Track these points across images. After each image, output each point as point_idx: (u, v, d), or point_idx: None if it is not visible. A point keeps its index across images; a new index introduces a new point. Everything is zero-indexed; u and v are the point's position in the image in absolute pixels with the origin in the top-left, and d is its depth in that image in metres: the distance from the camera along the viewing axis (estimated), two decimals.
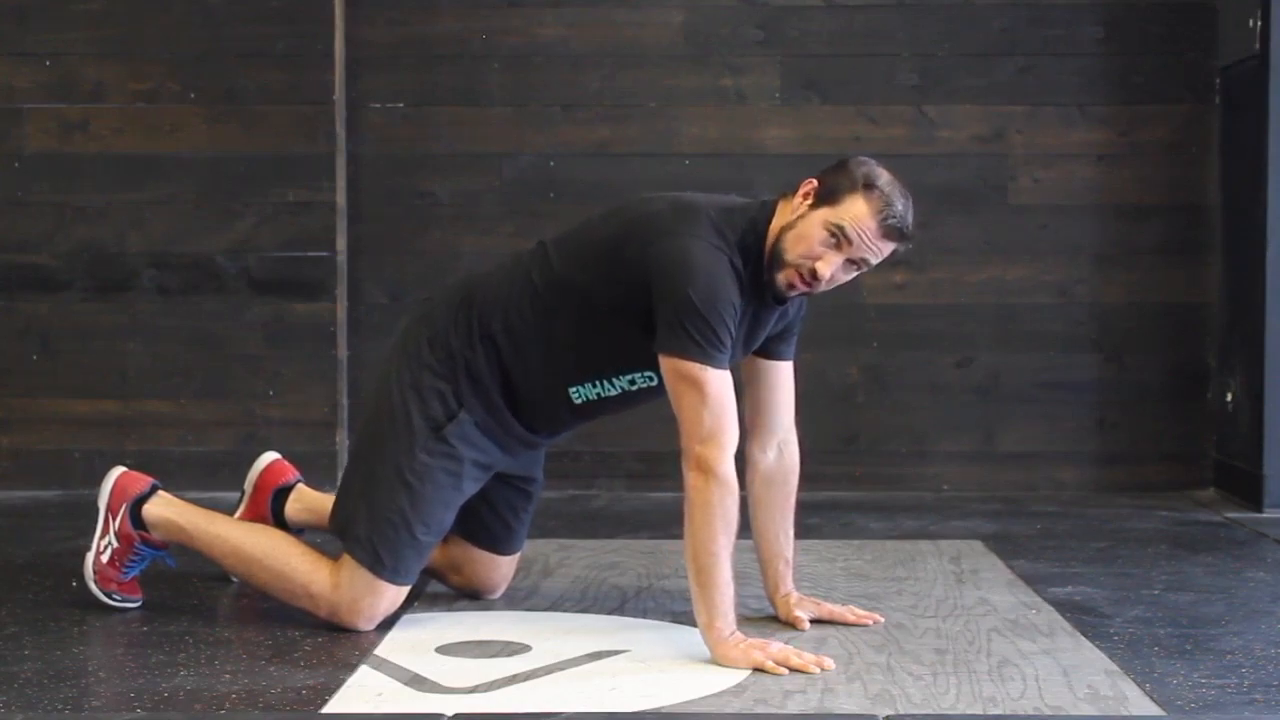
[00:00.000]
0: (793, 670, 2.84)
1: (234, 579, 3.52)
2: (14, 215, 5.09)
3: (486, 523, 3.41)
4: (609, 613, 3.38)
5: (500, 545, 3.45)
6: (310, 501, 3.63)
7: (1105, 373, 5.18)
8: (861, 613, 3.27)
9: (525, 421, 3.21)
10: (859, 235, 2.96)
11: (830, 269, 2.98)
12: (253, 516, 3.62)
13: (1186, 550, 4.13)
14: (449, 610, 3.39)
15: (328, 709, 2.64)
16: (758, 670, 2.84)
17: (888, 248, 3.01)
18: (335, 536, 3.23)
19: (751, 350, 3.19)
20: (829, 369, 5.11)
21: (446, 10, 5.17)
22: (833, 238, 2.97)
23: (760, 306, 3.08)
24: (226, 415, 5.08)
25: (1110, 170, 5.15)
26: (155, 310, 5.09)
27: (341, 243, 5.11)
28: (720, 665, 2.88)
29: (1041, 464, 5.18)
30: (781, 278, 3.00)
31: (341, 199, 5.10)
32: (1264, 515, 4.65)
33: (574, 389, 3.16)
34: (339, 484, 3.32)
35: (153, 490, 3.32)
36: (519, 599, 3.51)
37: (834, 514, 4.68)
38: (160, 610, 3.34)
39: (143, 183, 5.09)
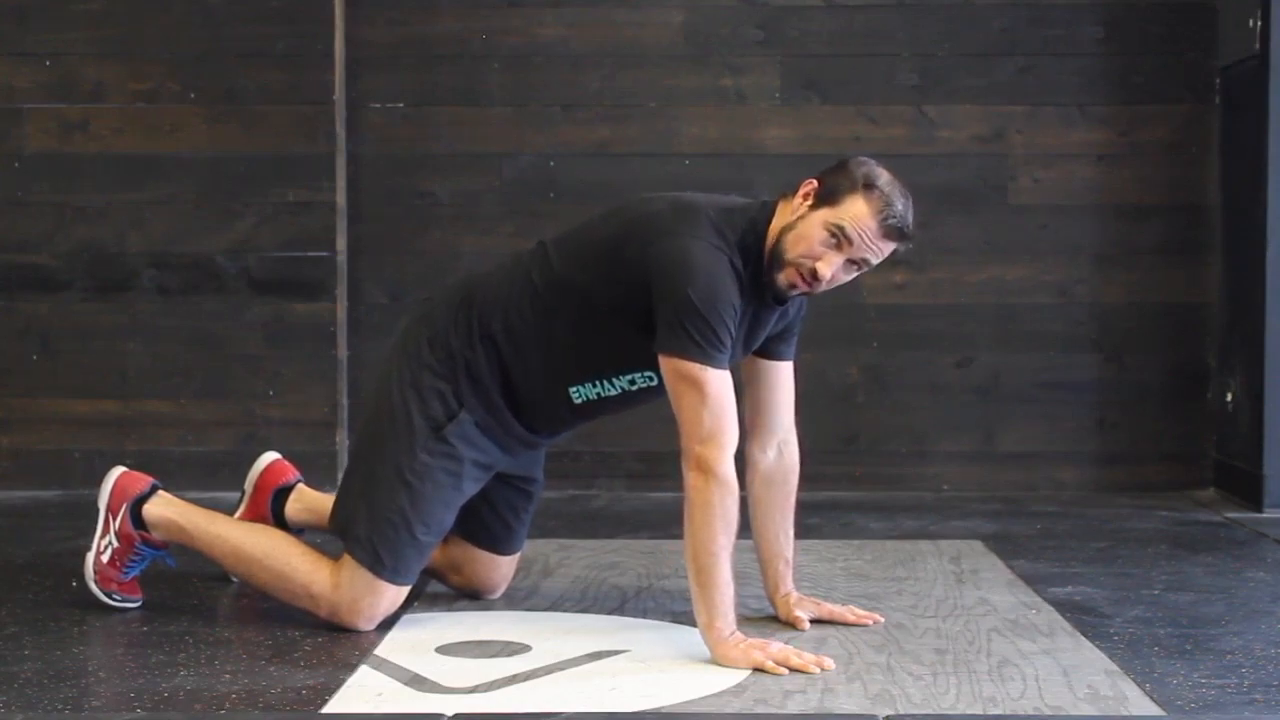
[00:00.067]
0: (793, 670, 2.84)
1: (234, 579, 3.52)
2: (14, 215, 5.09)
3: (487, 523, 3.41)
4: (609, 613, 3.38)
5: (500, 545, 3.45)
6: (310, 501, 3.63)
7: (1105, 373, 5.18)
8: (861, 613, 3.27)
9: (525, 421, 3.21)
10: (859, 235, 2.96)
11: (831, 269, 2.99)
12: (253, 516, 3.62)
13: (1186, 550, 4.13)
14: (449, 610, 3.39)
15: (328, 709, 2.64)
16: (758, 670, 2.84)
17: (888, 247, 3.01)
18: (335, 536, 3.23)
19: (751, 350, 3.19)
20: (829, 369, 5.11)
21: (446, 10, 5.17)
22: (833, 238, 2.97)
23: (760, 307, 3.08)
24: (226, 415, 5.08)
25: (1110, 170, 5.15)
26: (155, 310, 5.09)
27: (341, 243, 5.11)
28: (720, 665, 2.88)
29: (1041, 464, 5.18)
30: (782, 278, 3.00)
31: (341, 199, 5.10)
32: (1264, 515, 4.65)
33: (574, 389, 3.16)
34: (339, 484, 3.32)
35: (153, 490, 3.32)
36: (519, 599, 3.51)
37: (834, 514, 4.68)
38: (160, 610, 3.34)
39: (143, 183, 5.09)
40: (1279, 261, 4.70)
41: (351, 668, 2.89)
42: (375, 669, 2.89)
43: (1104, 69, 5.14)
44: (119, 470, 3.35)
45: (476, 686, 2.78)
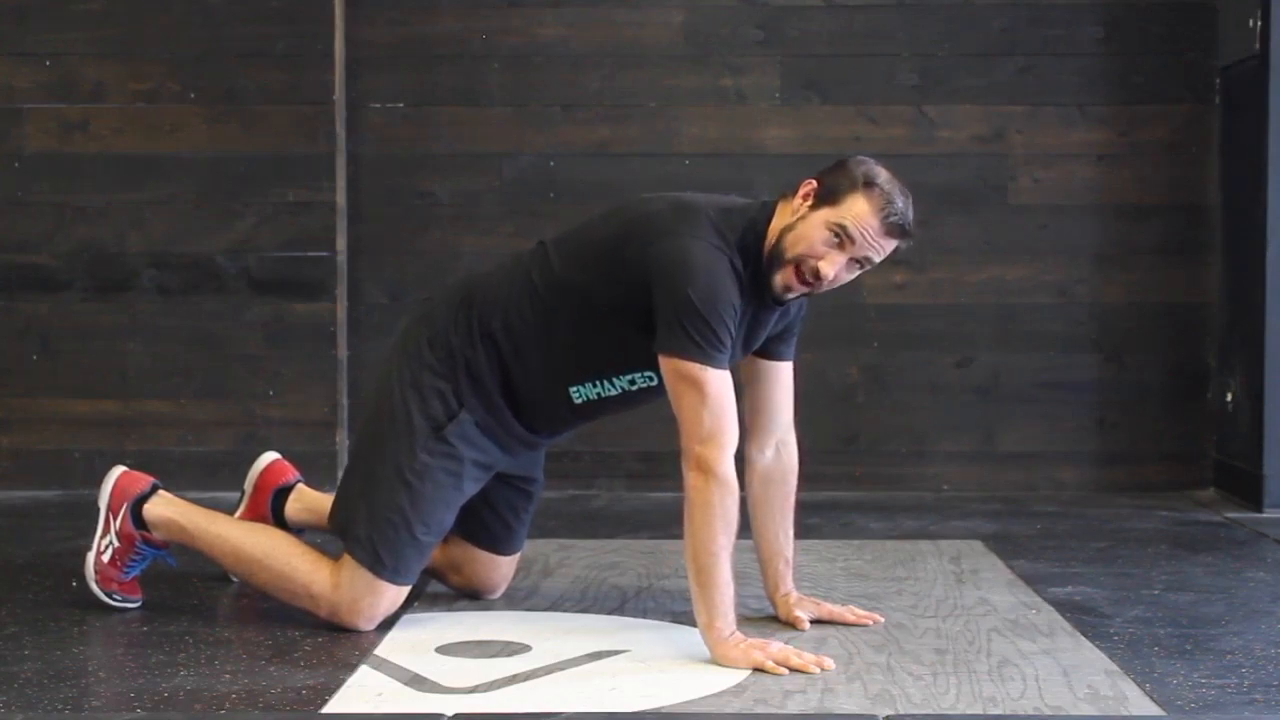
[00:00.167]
0: (793, 670, 2.84)
1: (234, 579, 3.52)
2: (14, 215, 5.09)
3: (487, 523, 3.41)
4: (609, 613, 3.38)
5: (500, 545, 3.45)
6: (310, 501, 3.63)
7: (1105, 373, 5.18)
8: (861, 613, 3.27)
9: (526, 421, 3.21)
10: (862, 234, 2.96)
11: (833, 269, 2.99)
12: (253, 516, 3.62)
13: (1186, 550, 4.13)
14: (449, 610, 3.39)
15: (328, 709, 2.64)
16: (758, 670, 2.84)
17: (890, 245, 3.01)
18: (335, 536, 3.23)
19: (751, 350, 3.19)
20: (829, 369, 5.11)
21: (446, 10, 5.17)
22: (835, 237, 2.97)
23: (760, 307, 3.08)
24: (226, 415, 5.08)
25: (1110, 170, 5.16)
26: (155, 310, 5.09)
27: (341, 243, 5.11)
28: (720, 665, 2.88)
29: (1041, 464, 5.18)
30: (783, 278, 3.00)
31: (341, 199, 5.10)
32: (1264, 515, 4.65)
33: (574, 388, 3.16)
34: (339, 484, 3.32)
35: (153, 490, 3.32)
36: (519, 599, 3.51)
37: (834, 514, 4.68)
38: (160, 610, 3.34)
39: (143, 183, 5.09)
40: (1279, 261, 4.70)
41: (351, 668, 2.89)
42: (375, 669, 2.89)
43: (1104, 69, 5.14)
44: (119, 470, 3.35)
45: (476, 686, 2.78)
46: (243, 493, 3.69)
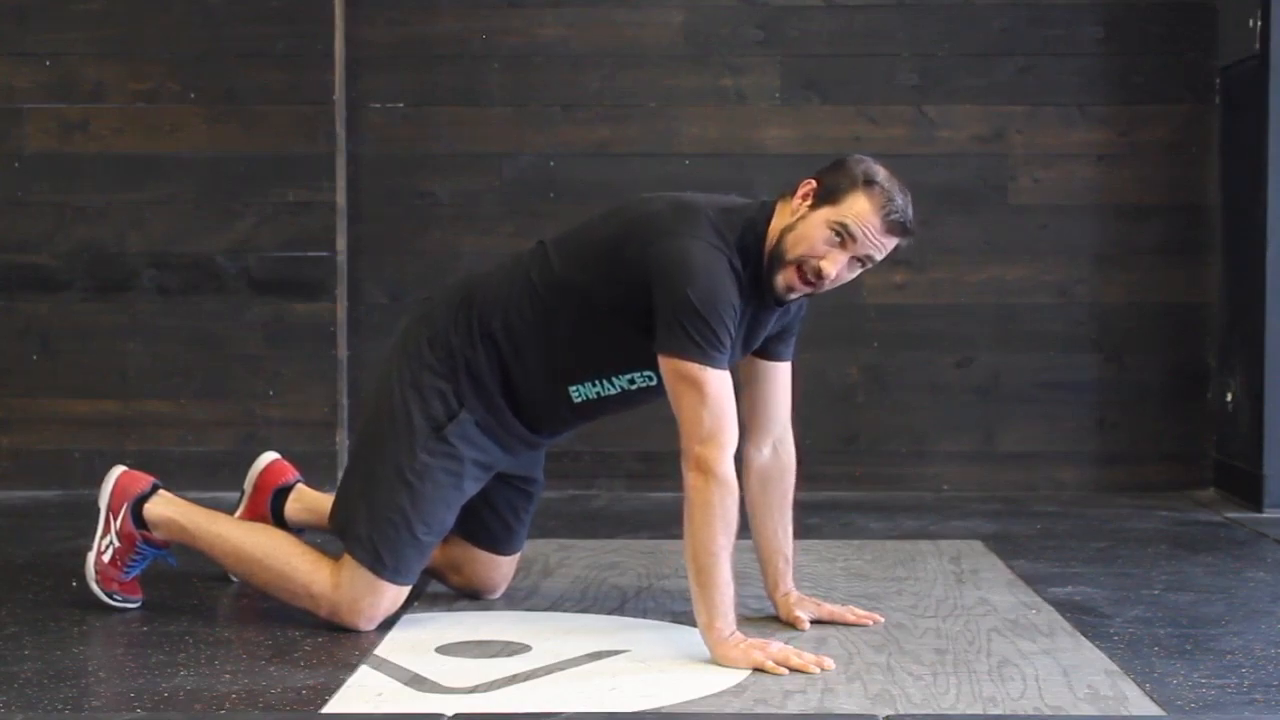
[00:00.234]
0: (793, 670, 2.84)
1: (234, 579, 3.52)
2: (14, 215, 5.09)
3: (487, 523, 3.41)
4: (609, 613, 3.38)
5: (500, 545, 3.45)
6: (310, 501, 3.63)
7: (1105, 373, 5.18)
8: (861, 613, 3.26)
9: (526, 421, 3.21)
10: (863, 232, 2.96)
11: (835, 268, 2.98)
12: (252, 516, 3.62)
13: (1186, 550, 4.13)
14: (449, 610, 3.39)
15: (328, 709, 2.64)
16: (758, 670, 2.84)
17: (891, 243, 3.01)
18: (335, 536, 3.23)
19: (750, 351, 3.19)
20: (829, 369, 5.11)
21: (446, 10, 5.17)
22: (837, 236, 2.97)
23: (760, 307, 3.08)
24: (226, 415, 5.08)
25: (1110, 170, 5.16)
26: (155, 310, 5.09)
27: (341, 243, 5.11)
28: (720, 665, 2.88)
29: (1041, 464, 5.18)
30: (785, 279, 3.00)
31: (341, 199, 5.10)
32: (1264, 515, 4.65)
33: (574, 388, 3.16)
34: (339, 484, 3.32)
35: (154, 489, 3.32)
36: (519, 599, 3.51)
37: (834, 514, 4.68)
38: (160, 610, 3.34)
39: (143, 183, 5.09)
40: (1279, 261, 4.70)
41: (351, 668, 2.89)
42: (375, 669, 2.89)
43: (1104, 69, 5.14)
44: (120, 470, 3.35)
45: (476, 686, 2.78)
46: (242, 493, 3.69)
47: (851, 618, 3.24)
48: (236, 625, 3.29)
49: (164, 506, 3.30)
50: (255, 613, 3.38)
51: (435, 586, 3.54)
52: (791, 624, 3.20)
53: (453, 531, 3.31)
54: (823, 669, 2.85)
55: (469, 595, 3.49)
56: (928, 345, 5.17)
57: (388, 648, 3.04)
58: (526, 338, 3.14)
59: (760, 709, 2.65)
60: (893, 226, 2.98)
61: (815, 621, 3.22)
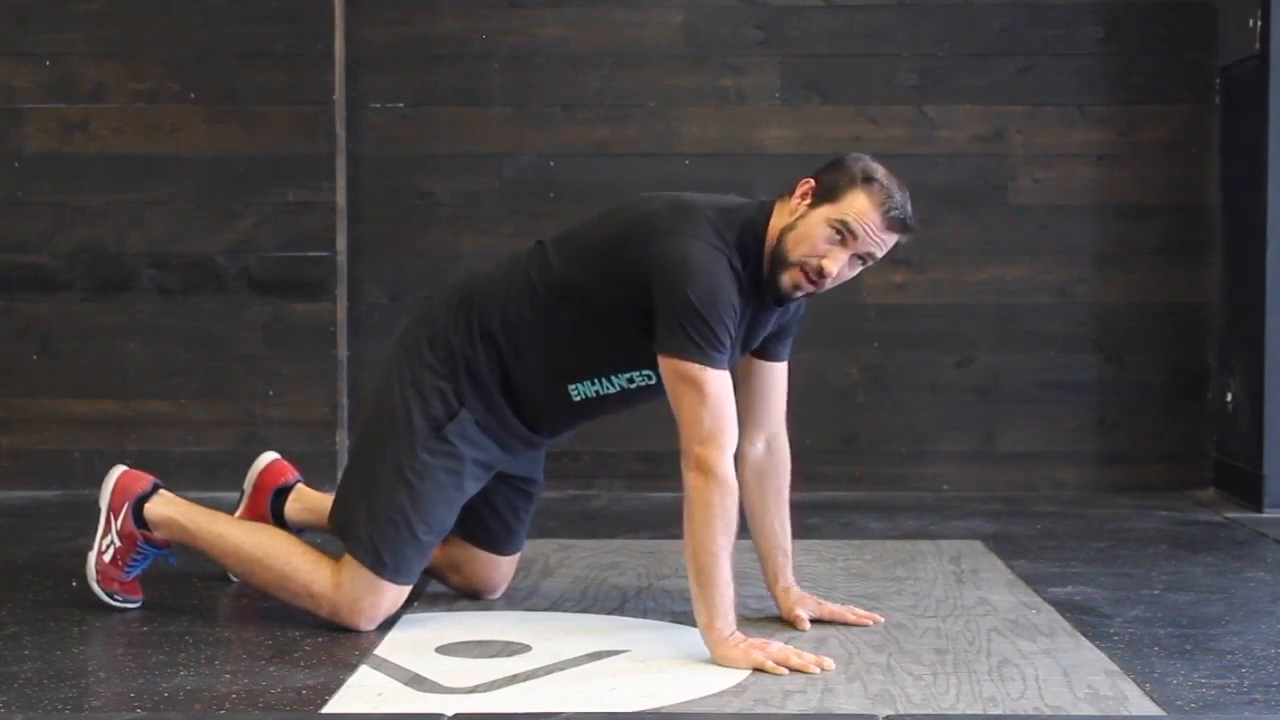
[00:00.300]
0: (793, 670, 2.84)
1: (234, 579, 3.52)
2: (14, 215, 5.09)
3: (486, 523, 3.41)
4: (609, 613, 3.38)
5: (500, 545, 3.45)
6: (310, 501, 3.63)
7: (1105, 373, 5.18)
8: (862, 613, 3.26)
9: (526, 420, 3.21)
10: (864, 230, 2.96)
11: (837, 266, 2.98)
12: (252, 516, 3.62)
13: (1186, 550, 4.13)
14: (449, 610, 3.39)
15: (328, 709, 2.64)
16: (758, 670, 2.84)
17: (891, 239, 3.01)
18: (335, 536, 3.23)
19: (749, 351, 3.19)
20: (829, 369, 5.11)
21: (446, 10, 5.17)
22: (837, 234, 2.97)
23: (760, 307, 3.08)
24: (226, 415, 5.08)
25: (1110, 170, 5.16)
26: (155, 310, 5.09)
27: (341, 243, 5.11)
28: (720, 665, 2.88)
29: (1041, 464, 5.18)
30: (787, 279, 3.00)
31: (341, 199, 5.10)
32: (1264, 515, 4.65)
33: (573, 387, 3.16)
34: (339, 483, 3.32)
35: (154, 489, 3.32)
36: (519, 599, 3.51)
37: (834, 514, 4.68)
38: (160, 610, 3.34)
39: (143, 183, 5.09)
40: (1279, 261, 4.70)
41: (351, 668, 2.89)
42: (375, 669, 2.89)
43: (1104, 69, 5.14)
44: (120, 469, 3.35)
45: (476, 686, 2.78)
46: (242, 493, 3.69)
47: (852, 617, 3.24)
48: (236, 625, 3.29)
49: (165, 506, 3.30)
50: (255, 613, 3.38)
51: (435, 586, 3.54)
52: (792, 622, 3.20)
53: (453, 531, 3.31)
54: (823, 669, 2.85)
55: (469, 595, 3.49)
56: (928, 345, 5.17)
57: (388, 648, 3.04)
58: (526, 337, 3.14)
59: (760, 709, 2.65)
60: (893, 223, 2.98)
61: (815, 621, 3.22)
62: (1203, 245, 5.14)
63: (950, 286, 5.16)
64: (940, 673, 2.87)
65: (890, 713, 2.62)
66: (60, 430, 5.09)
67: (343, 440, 5.06)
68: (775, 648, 2.88)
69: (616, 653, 3.01)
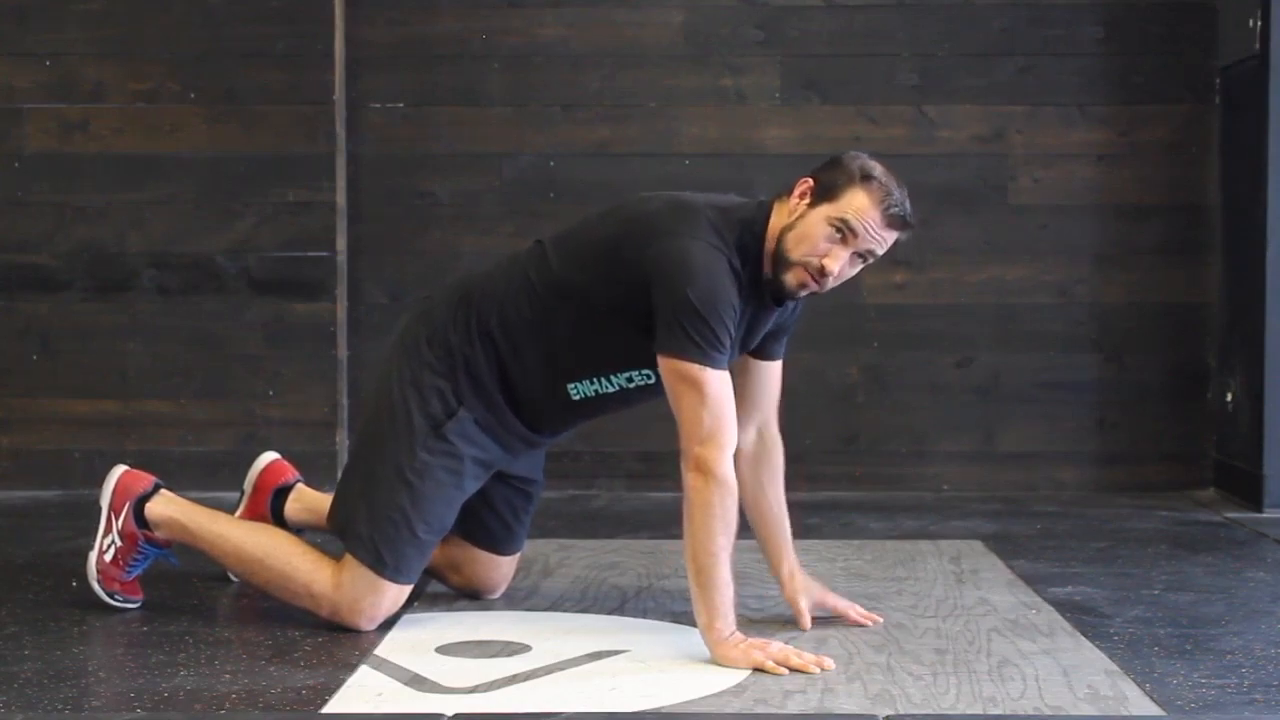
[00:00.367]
0: (793, 670, 2.84)
1: (234, 579, 3.52)
2: (14, 215, 5.09)
3: (486, 523, 3.41)
4: (609, 613, 3.38)
5: (500, 545, 3.45)
6: (310, 501, 3.63)
7: (1105, 373, 5.18)
8: (862, 613, 3.26)
9: (525, 419, 3.21)
10: (864, 227, 2.96)
11: (838, 264, 2.98)
12: (252, 516, 3.62)
13: (1186, 550, 4.13)
14: (449, 610, 3.39)
15: (328, 709, 2.64)
16: (758, 670, 2.84)
17: (892, 236, 3.01)
18: (335, 536, 3.23)
19: (747, 350, 3.19)
20: (829, 369, 5.11)
21: (446, 10, 5.17)
22: (838, 233, 2.97)
23: (759, 307, 3.08)
24: (226, 415, 5.08)
25: (1110, 170, 5.16)
26: (155, 310, 5.09)
27: (341, 243, 5.11)
28: (720, 665, 2.88)
29: (1041, 464, 5.18)
30: (790, 279, 3.00)
31: (341, 199, 5.10)
32: (1264, 515, 4.65)
33: (572, 386, 3.16)
34: (339, 483, 3.32)
35: (155, 489, 3.32)
36: (519, 599, 3.51)
37: (834, 514, 4.68)
38: (160, 610, 3.34)
39: (143, 183, 5.09)
40: (1279, 261, 4.70)
41: (351, 668, 2.89)
42: (375, 669, 2.89)
43: (1104, 69, 5.15)
44: (121, 469, 3.35)
45: (476, 686, 2.78)
46: (242, 493, 3.69)
47: (854, 615, 3.24)
48: (236, 625, 3.29)
49: (166, 506, 3.30)
50: (255, 613, 3.38)
51: (435, 586, 3.54)
52: (794, 614, 3.20)
53: (452, 531, 3.31)
54: (823, 669, 2.85)
55: (469, 595, 3.49)
56: (928, 345, 5.17)
57: (388, 648, 3.04)
58: (525, 336, 3.14)
59: (760, 709, 2.65)
60: (893, 220, 2.98)
61: (815, 619, 3.22)
62: (1203, 245, 5.14)
63: (950, 286, 5.16)
64: (940, 673, 2.87)
65: (890, 713, 2.62)
66: (60, 430, 5.09)
67: (343, 440, 5.06)
68: (775, 648, 2.88)
69: (616, 653, 3.01)
